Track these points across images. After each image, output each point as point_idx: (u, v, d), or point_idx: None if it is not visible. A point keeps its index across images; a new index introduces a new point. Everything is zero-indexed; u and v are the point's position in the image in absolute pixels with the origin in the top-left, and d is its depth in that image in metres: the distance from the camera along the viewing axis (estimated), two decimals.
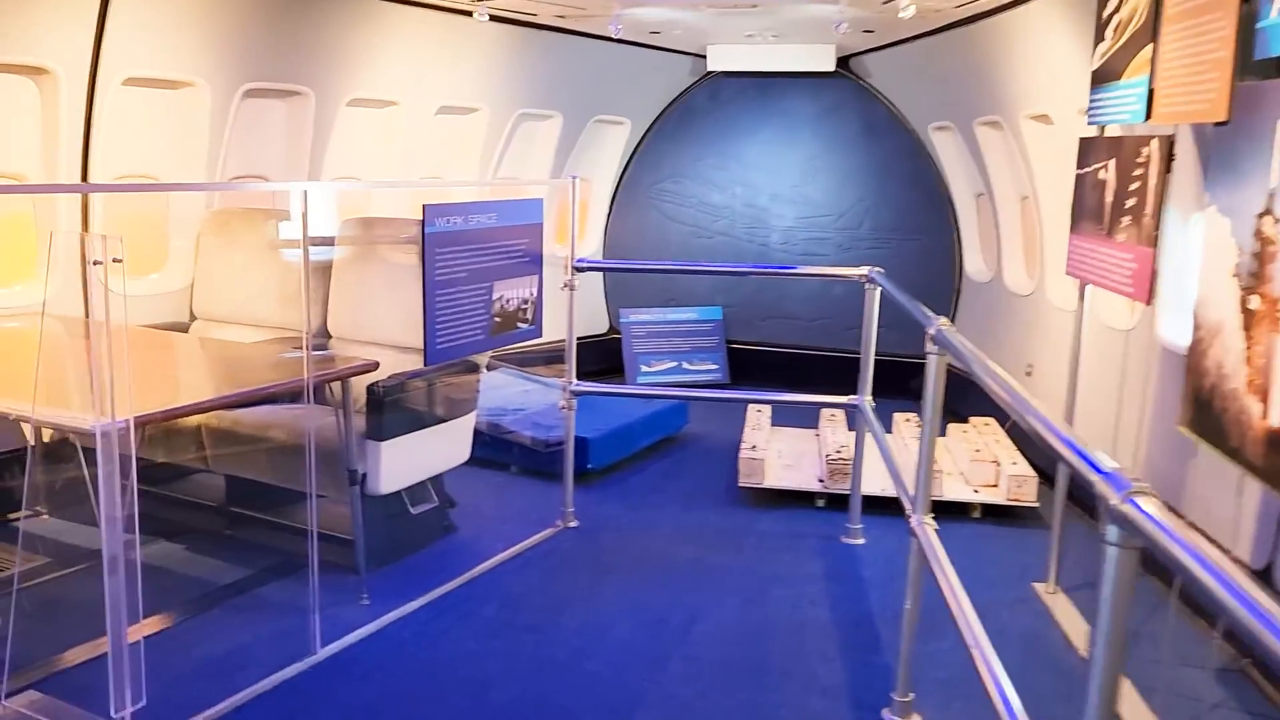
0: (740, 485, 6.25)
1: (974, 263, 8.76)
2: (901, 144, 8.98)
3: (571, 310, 5.71)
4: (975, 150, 7.97)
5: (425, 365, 4.65)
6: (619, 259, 9.60)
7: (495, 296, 4.98)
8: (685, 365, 9.25)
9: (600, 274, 9.73)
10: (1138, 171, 4.05)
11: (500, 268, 4.99)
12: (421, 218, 4.48)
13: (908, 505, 3.89)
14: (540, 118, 8.63)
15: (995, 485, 6.22)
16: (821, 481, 6.26)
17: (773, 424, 7.47)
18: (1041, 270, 7.19)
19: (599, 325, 9.74)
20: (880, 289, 5.39)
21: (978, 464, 6.25)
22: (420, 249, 4.51)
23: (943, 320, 3.60)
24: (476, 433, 6.81)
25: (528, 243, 5.18)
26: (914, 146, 8.94)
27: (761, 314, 9.40)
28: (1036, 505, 6.00)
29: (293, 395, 4.33)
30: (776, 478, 6.32)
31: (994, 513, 6.06)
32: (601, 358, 9.49)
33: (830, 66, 8.66)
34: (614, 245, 9.65)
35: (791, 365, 9.33)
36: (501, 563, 5.21)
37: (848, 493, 5.99)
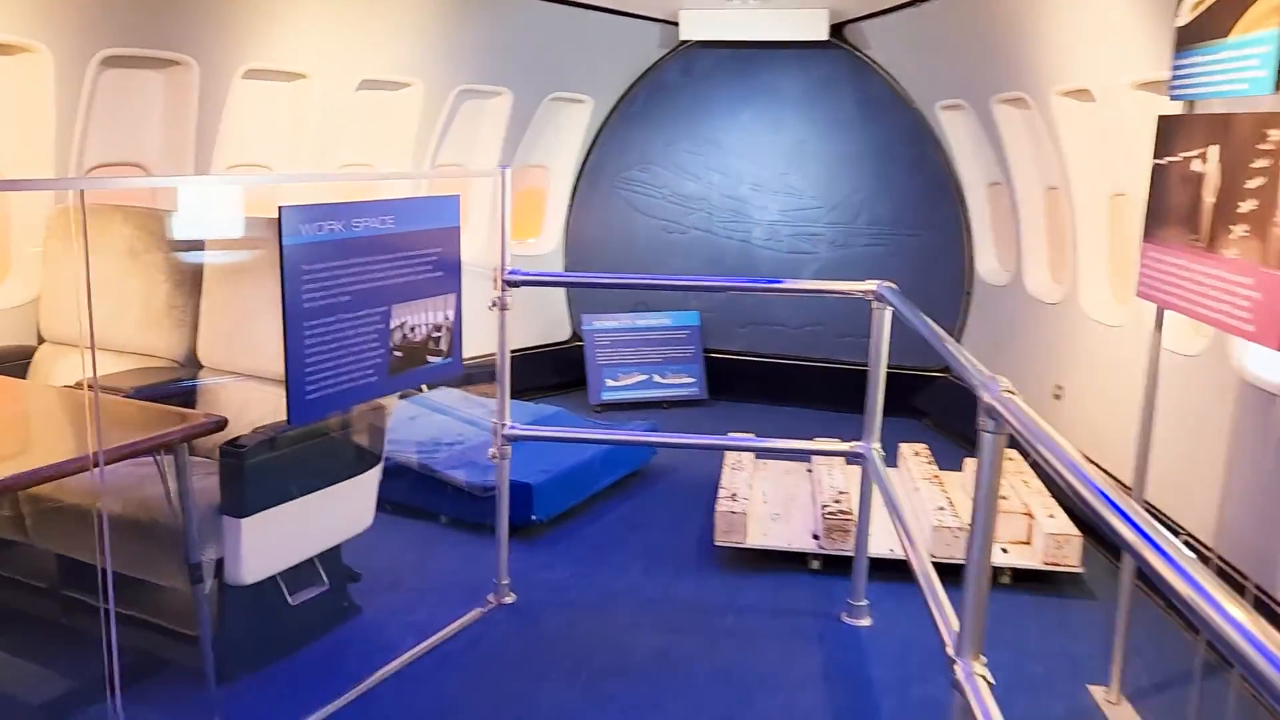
0: (717, 544, 5.12)
1: (988, 263, 7.63)
2: (904, 125, 7.82)
3: (503, 336, 4.56)
4: (992, 132, 6.83)
5: (290, 424, 3.48)
6: (580, 260, 8.42)
7: (395, 324, 3.81)
8: (657, 379, 8.10)
9: (559, 260, 8.54)
10: (1260, 163, 2.92)
11: (401, 287, 3.83)
12: (279, 224, 3.30)
13: (943, 632, 2.78)
14: (485, 95, 7.43)
15: (1028, 543, 5.11)
16: (816, 538, 5.13)
17: (757, 455, 6.34)
18: (1073, 274, 6.07)
19: (559, 332, 8.57)
20: (891, 309, 4.25)
21: (1007, 516, 5.13)
22: (279, 267, 3.33)
23: (1004, 385, 2.47)
24: (403, 472, 5.67)
25: (441, 252, 4.02)
26: (918, 128, 7.78)
27: (743, 320, 8.26)
28: (1081, 571, 4.89)
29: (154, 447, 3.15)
30: (761, 533, 5.19)
31: (1026, 577, 4.95)
32: (562, 369, 8.32)
33: (822, 35, 7.49)
34: (576, 243, 8.48)
35: (778, 378, 8.20)
36: (410, 662, 4.06)
37: (848, 554, 4.88)
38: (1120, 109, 5.05)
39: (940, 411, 7.70)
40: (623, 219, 8.39)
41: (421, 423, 6.14)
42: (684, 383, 8.13)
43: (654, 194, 8.32)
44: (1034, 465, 5.74)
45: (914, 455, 6.07)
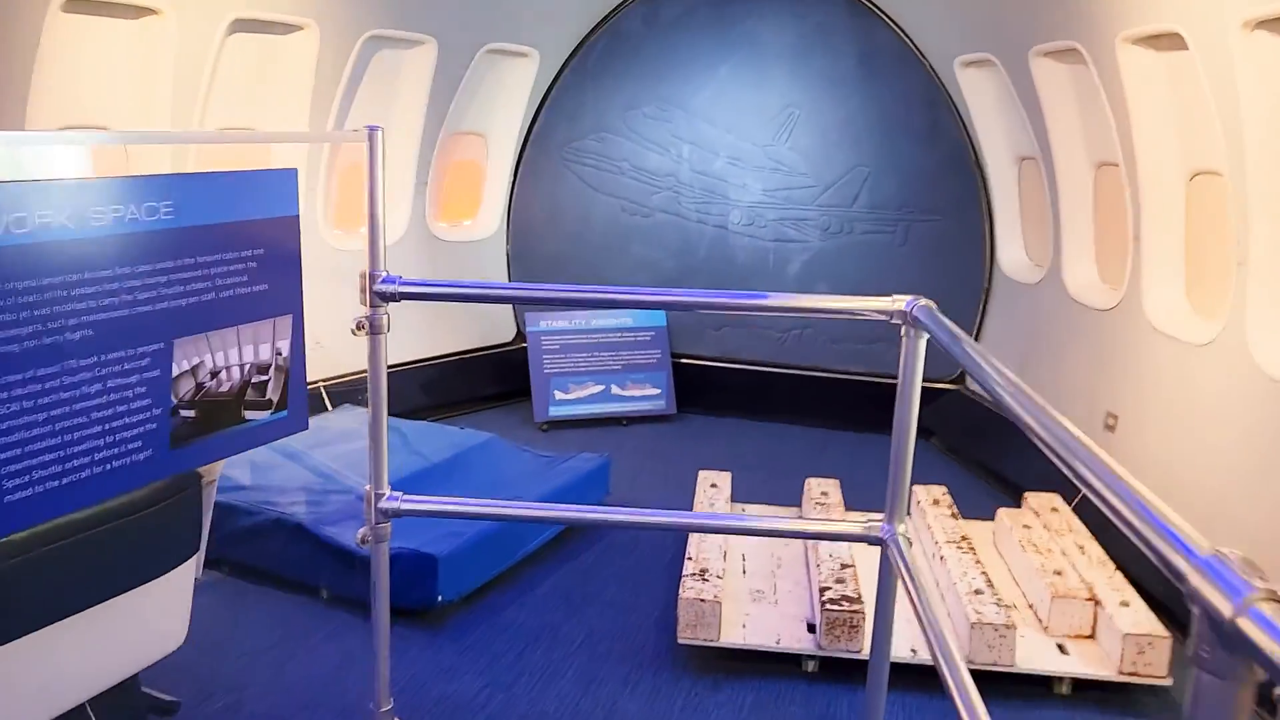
0: (680, 643, 3.83)
1: (1012, 254, 6.35)
2: (915, 86, 6.50)
3: (377, 370, 3.21)
4: (1027, 94, 5.53)
5: None
6: (526, 247, 7.07)
7: (182, 369, 2.48)
8: (616, 390, 6.79)
9: (504, 264, 7.20)
10: None
11: (191, 311, 2.49)
12: None
13: None
14: (403, 44, 6.04)
15: (1092, 638, 3.85)
16: (813, 631, 3.86)
17: (734, 499, 5.05)
18: (1135, 274, 4.80)
19: (502, 333, 7.23)
20: (927, 337, 2.96)
21: (1064, 603, 3.87)
22: None
23: (1243, 568, 1.16)
24: (275, 530, 4.36)
25: (266, 256, 2.68)
26: (933, 90, 6.46)
27: (718, 320, 6.95)
28: (1169, 684, 3.63)
29: None
30: (740, 624, 3.91)
31: (1088, 686, 3.70)
32: (504, 377, 7.00)
33: None
34: (521, 227, 7.13)
35: (759, 389, 6.91)
36: None
37: (857, 658, 3.62)
38: (1226, 58, 3.75)
39: (953, 432, 6.44)
40: (575, 198, 7.04)
41: (304, 461, 4.80)
42: (648, 395, 6.82)
43: (612, 168, 6.97)
44: (1093, 527, 4.48)
45: (933, 504, 4.79)
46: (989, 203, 6.41)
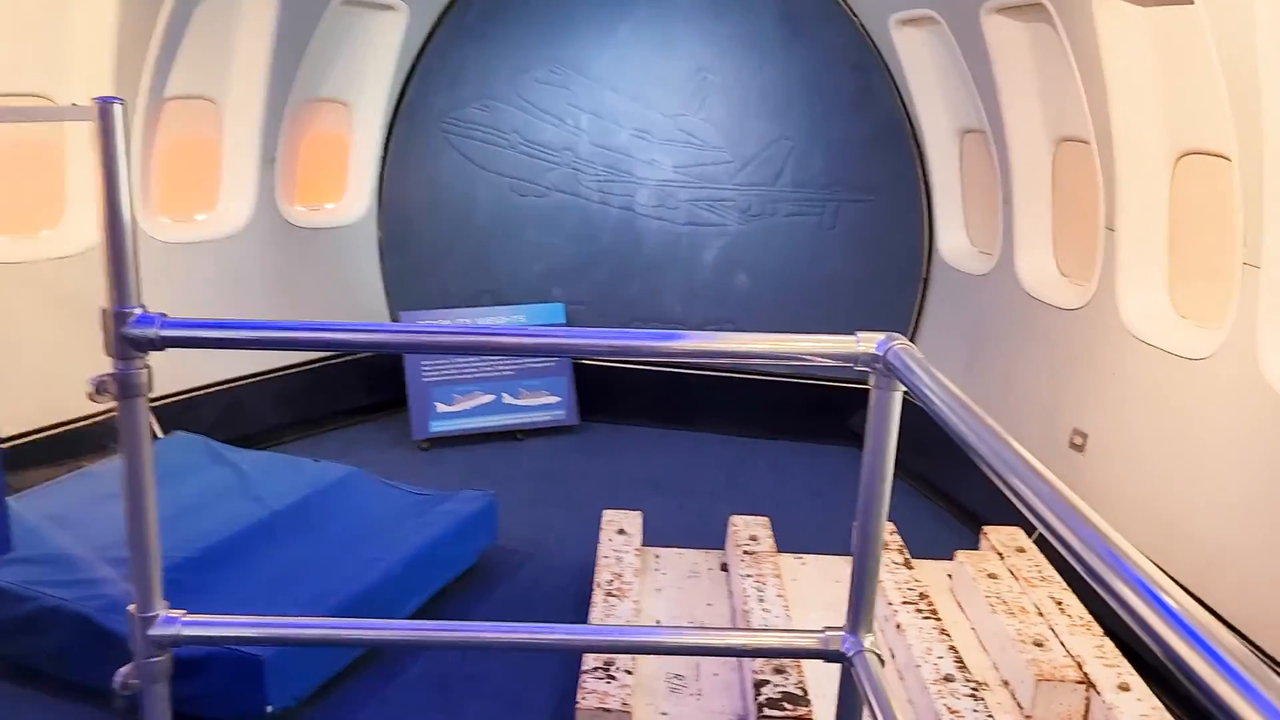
0: None
1: (954, 240, 5.63)
2: (843, 48, 5.70)
3: (137, 441, 2.25)
4: (975, 57, 4.78)
5: None
6: (402, 234, 6.09)
7: None
8: (509, 399, 5.90)
9: (376, 254, 6.21)
10: None
11: None
12: None
13: None
14: None
15: None
16: None
17: (645, 543, 4.24)
18: (1108, 269, 4.11)
19: None
20: (901, 391, 2.16)
21: (1051, 687, 3.15)
22: None
23: None
24: (54, 619, 3.39)
25: None
26: (864, 53, 5.67)
27: (625, 315, 6.11)
28: None
29: None
30: None
31: None
32: (375, 386, 6.04)
33: None
34: (394, 209, 6.14)
35: (673, 394, 6.09)
36: None
37: None
38: (1244, 16, 3.02)
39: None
40: (458, 176, 6.08)
41: (88, 527, 3.78)
42: (545, 404, 5.95)
43: (500, 141, 6.02)
44: (1063, 571, 3.79)
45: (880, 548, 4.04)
46: (927, 181, 5.67)
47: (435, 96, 5.99)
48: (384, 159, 6.07)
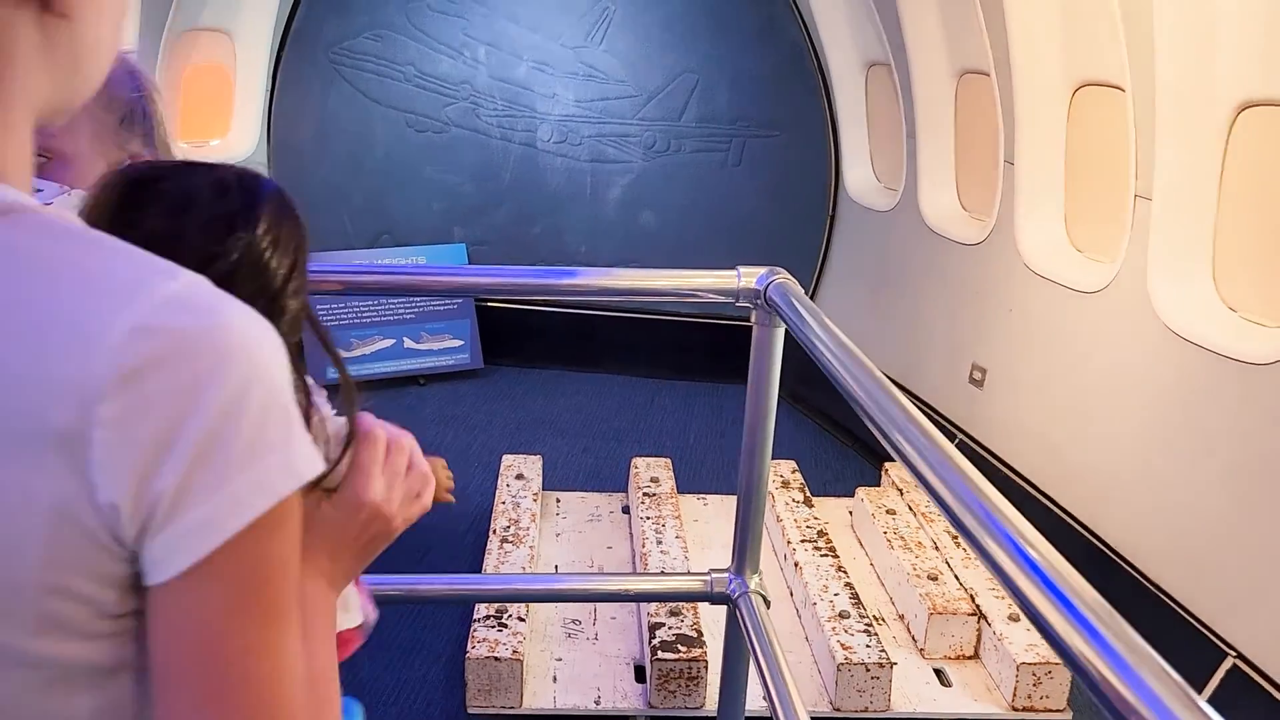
0: (471, 711, 2.93)
1: (860, 176, 5.58)
2: None
3: None
4: None
5: None
6: (295, 170, 5.81)
7: None
8: (410, 343, 5.73)
9: (261, 167, 5.92)
10: None
11: None
12: None
13: None
14: None
15: (975, 658, 3.19)
16: (642, 680, 3.04)
17: (546, 487, 4.15)
18: (1006, 204, 4.10)
19: None
20: (784, 328, 2.10)
21: (943, 619, 3.17)
22: None
23: None
24: None
25: None
26: None
27: (531, 253, 5.95)
28: (1067, 718, 3.00)
29: None
30: (548, 676, 3.04)
31: None
32: None
33: None
34: (285, 145, 5.85)
35: (578, 335, 5.98)
36: None
37: (699, 714, 2.84)
38: None
39: (795, 376, 5.71)
40: (351, 111, 5.81)
41: None
42: (448, 347, 5.79)
43: (394, 73, 5.76)
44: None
45: (782, 487, 4.03)
46: (833, 117, 5.59)
47: (323, 25, 5.69)
48: (271, 92, 5.77)
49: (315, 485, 0.75)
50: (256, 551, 0.59)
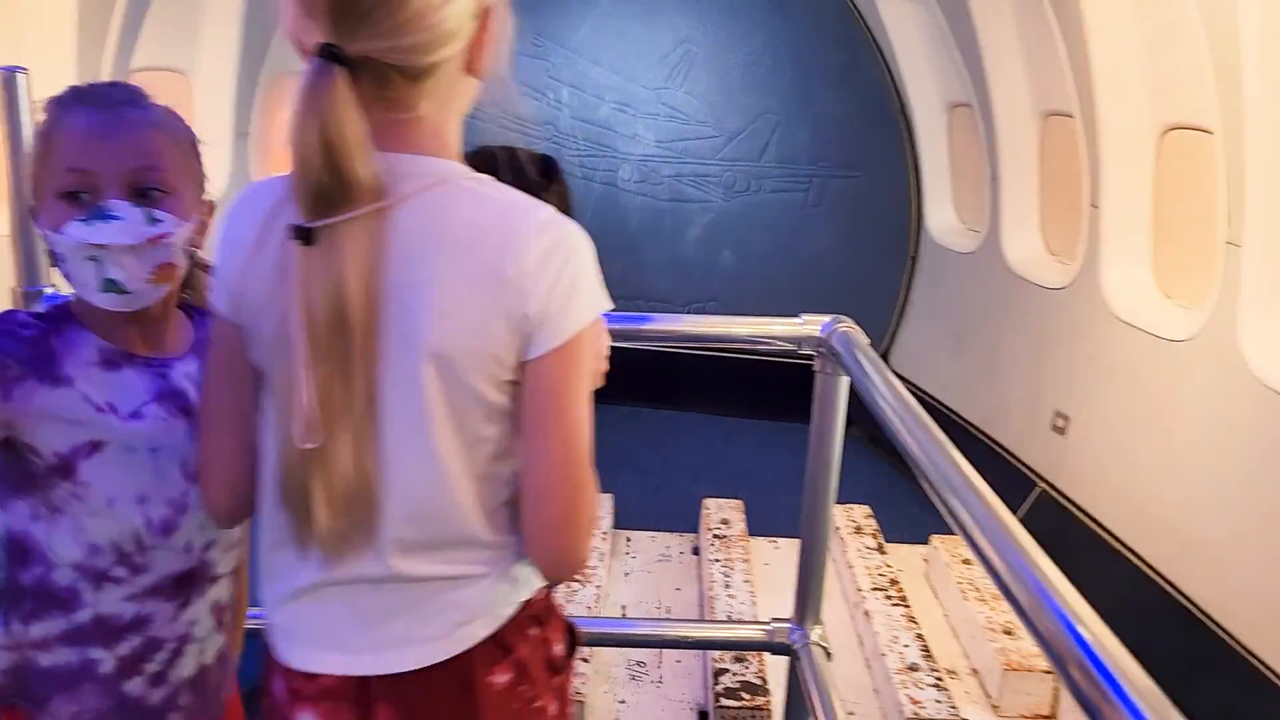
0: None
1: (943, 217, 5.51)
2: (830, 20, 5.56)
3: None
4: (961, 28, 4.65)
5: None
6: None
7: None
8: None
9: None
10: None
11: None
12: None
13: None
14: None
15: (1051, 717, 3.09)
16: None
17: (619, 525, 4.16)
18: (1091, 247, 4.00)
19: None
20: (847, 378, 2.08)
21: (1018, 676, 3.08)
22: None
23: None
24: None
25: None
26: (849, 24, 5.53)
27: (611, 290, 5.93)
28: None
29: None
30: (611, 715, 3.03)
31: None
32: None
33: None
34: None
35: (655, 372, 5.99)
36: None
37: None
38: None
39: (869, 418, 5.63)
40: None
41: None
42: None
43: (478, 114, 5.86)
44: None
45: (854, 533, 3.97)
46: (915, 157, 5.54)
47: None
48: None
49: None
50: (584, 344, 1.04)
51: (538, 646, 1.15)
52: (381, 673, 1.07)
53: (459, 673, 1.08)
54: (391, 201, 0.99)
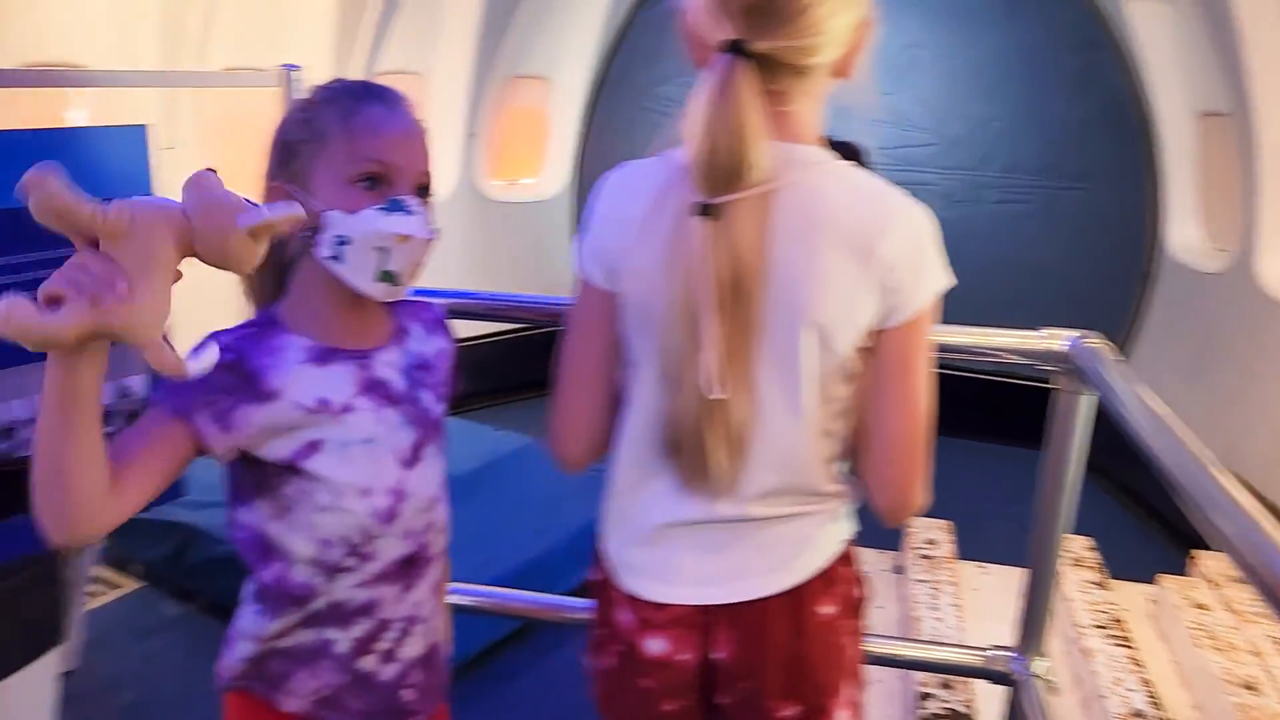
0: None
1: (1187, 234, 5.12)
2: (1069, 22, 5.27)
3: None
4: (1221, 30, 4.30)
5: None
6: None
7: None
8: None
9: (569, 231, 6.29)
10: None
11: None
12: None
13: None
14: None
15: None
16: None
17: None
18: None
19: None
20: (1097, 395, 1.93)
21: None
22: None
23: None
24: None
25: None
26: (1091, 27, 5.23)
27: None
28: None
29: None
30: None
31: None
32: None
33: None
34: (592, 185, 6.18)
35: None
36: None
37: None
38: None
39: (1093, 447, 5.29)
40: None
41: None
42: None
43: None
44: None
45: (1074, 565, 3.74)
46: (1156, 168, 5.17)
47: (637, 71, 5.98)
48: (585, 134, 6.12)
49: None
50: (930, 316, 1.17)
51: (852, 585, 1.30)
52: (725, 602, 1.22)
53: (791, 602, 1.23)
54: (780, 184, 1.10)
